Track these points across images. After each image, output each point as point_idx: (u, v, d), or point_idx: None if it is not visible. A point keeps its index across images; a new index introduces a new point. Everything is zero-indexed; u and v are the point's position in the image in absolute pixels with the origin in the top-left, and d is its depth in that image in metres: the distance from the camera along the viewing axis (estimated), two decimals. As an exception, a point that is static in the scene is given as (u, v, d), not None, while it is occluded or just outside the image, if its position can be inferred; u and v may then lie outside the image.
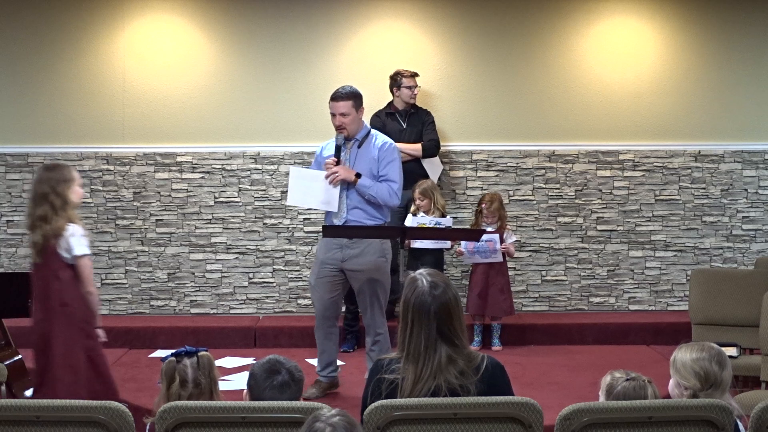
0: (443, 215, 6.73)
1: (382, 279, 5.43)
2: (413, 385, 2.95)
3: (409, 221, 6.67)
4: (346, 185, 5.37)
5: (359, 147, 5.44)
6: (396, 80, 7.12)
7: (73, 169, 4.50)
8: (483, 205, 6.82)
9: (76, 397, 3.70)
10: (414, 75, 7.12)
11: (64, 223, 4.31)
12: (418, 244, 6.61)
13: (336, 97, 5.42)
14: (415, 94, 7.12)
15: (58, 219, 4.30)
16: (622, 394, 2.97)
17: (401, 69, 7.15)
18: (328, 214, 5.46)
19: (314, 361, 5.72)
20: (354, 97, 5.43)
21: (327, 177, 5.32)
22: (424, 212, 6.72)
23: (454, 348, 2.98)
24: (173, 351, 3.18)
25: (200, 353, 3.15)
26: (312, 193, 5.33)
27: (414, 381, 2.95)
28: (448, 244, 6.86)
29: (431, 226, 6.50)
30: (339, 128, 5.40)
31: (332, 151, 5.43)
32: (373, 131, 5.56)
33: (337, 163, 5.35)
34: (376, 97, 7.25)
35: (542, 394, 5.16)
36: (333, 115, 5.40)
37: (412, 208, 6.81)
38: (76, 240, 4.33)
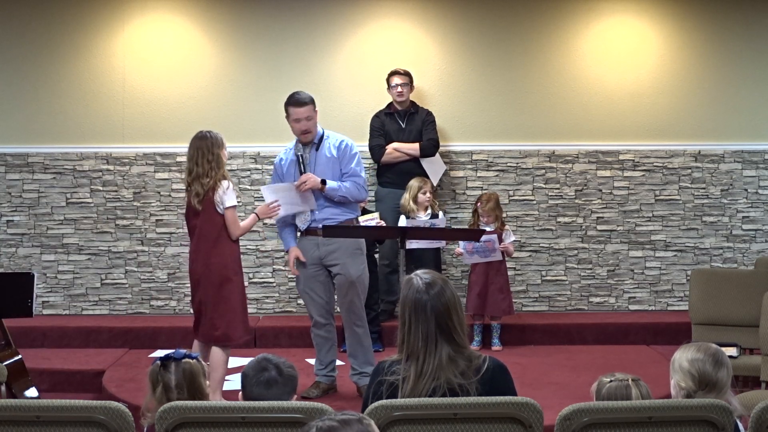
0: (435, 215, 6.72)
1: (362, 273, 5.52)
2: (414, 383, 2.93)
3: (403, 223, 6.65)
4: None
5: (317, 150, 5.51)
6: (387, 81, 7.11)
7: (221, 135, 5.32)
8: (478, 205, 6.82)
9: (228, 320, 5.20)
10: (397, 73, 7.04)
11: (219, 179, 5.16)
12: (413, 244, 6.57)
13: (299, 102, 5.44)
14: (400, 92, 7.04)
15: (214, 175, 5.14)
16: (606, 396, 3.00)
17: (395, 68, 7.12)
18: (289, 218, 5.53)
19: (313, 362, 5.72)
20: (313, 101, 5.51)
21: (297, 186, 5.39)
22: (423, 209, 6.72)
23: (454, 346, 2.97)
24: (166, 353, 3.21)
25: (185, 360, 3.16)
26: (289, 201, 5.44)
27: (415, 379, 2.94)
28: (442, 243, 6.86)
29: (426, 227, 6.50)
30: (305, 133, 5.45)
31: (289, 161, 5.51)
32: (327, 131, 5.60)
33: (302, 172, 5.42)
34: (376, 98, 7.26)
35: (542, 394, 5.16)
36: (297, 120, 5.43)
37: (407, 201, 6.74)
38: (228, 195, 5.17)
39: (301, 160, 5.44)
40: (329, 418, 2.06)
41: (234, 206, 5.21)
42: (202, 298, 5.25)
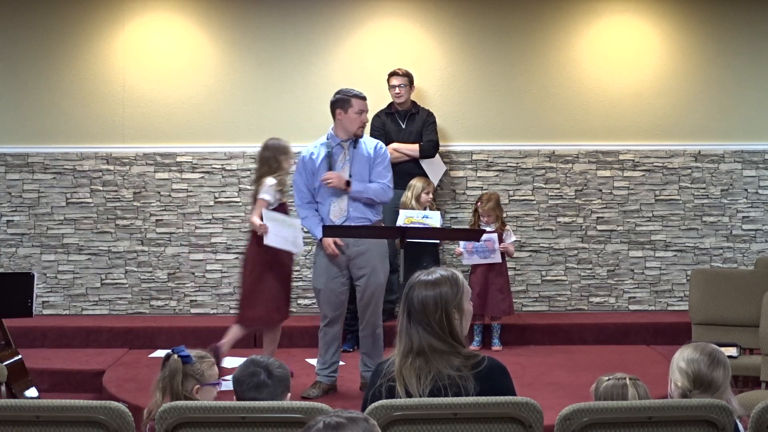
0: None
1: (385, 276, 5.58)
2: (402, 362, 2.91)
3: (400, 218, 6.64)
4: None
5: (354, 147, 5.53)
6: (387, 81, 7.10)
7: (288, 144, 5.91)
8: (478, 204, 6.82)
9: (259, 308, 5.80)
10: (396, 74, 7.04)
11: (269, 179, 5.76)
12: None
13: (363, 95, 5.55)
14: (398, 93, 7.04)
15: (269, 178, 5.74)
16: (602, 395, 3.02)
17: (395, 69, 7.12)
18: (324, 213, 5.51)
19: (314, 361, 5.72)
20: None
21: (323, 181, 5.43)
22: (423, 209, 6.70)
23: (438, 341, 2.92)
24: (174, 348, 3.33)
25: (172, 357, 3.26)
26: (282, 234, 5.62)
27: (406, 374, 2.91)
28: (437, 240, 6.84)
29: (419, 219, 6.48)
30: (364, 125, 5.55)
31: (322, 156, 5.52)
32: None
33: (330, 169, 5.45)
34: (376, 97, 7.23)
35: (542, 394, 5.16)
36: (361, 112, 5.50)
37: (409, 199, 6.73)
38: (264, 189, 5.76)
39: (331, 157, 5.47)
40: (336, 415, 2.05)
41: (264, 200, 5.71)
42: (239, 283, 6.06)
